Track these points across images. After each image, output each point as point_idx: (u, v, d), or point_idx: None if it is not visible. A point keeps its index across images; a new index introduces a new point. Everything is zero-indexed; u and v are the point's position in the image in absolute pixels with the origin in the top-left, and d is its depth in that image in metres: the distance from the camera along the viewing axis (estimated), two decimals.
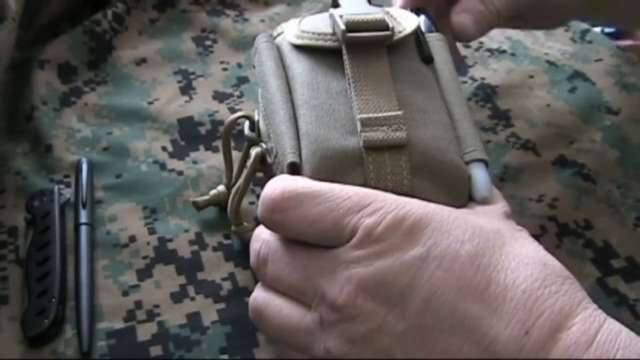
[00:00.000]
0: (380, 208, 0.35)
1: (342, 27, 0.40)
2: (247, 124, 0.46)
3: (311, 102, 0.39)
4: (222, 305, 0.44)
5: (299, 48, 0.42)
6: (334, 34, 0.41)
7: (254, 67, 0.45)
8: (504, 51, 0.64)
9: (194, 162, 0.53)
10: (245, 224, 0.47)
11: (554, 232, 0.49)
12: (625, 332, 0.32)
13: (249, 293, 0.45)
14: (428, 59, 0.44)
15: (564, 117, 0.58)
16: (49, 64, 0.60)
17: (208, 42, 0.65)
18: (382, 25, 0.40)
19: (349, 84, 0.40)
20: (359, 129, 0.38)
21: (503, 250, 0.34)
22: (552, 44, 0.65)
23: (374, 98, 0.39)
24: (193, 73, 0.62)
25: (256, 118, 0.45)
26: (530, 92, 0.60)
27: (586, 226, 0.50)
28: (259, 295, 0.38)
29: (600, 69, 0.62)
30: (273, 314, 0.37)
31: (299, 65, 0.41)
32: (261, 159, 0.43)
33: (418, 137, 0.38)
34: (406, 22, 0.43)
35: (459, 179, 0.39)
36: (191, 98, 0.59)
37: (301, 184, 0.36)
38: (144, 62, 0.62)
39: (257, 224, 0.39)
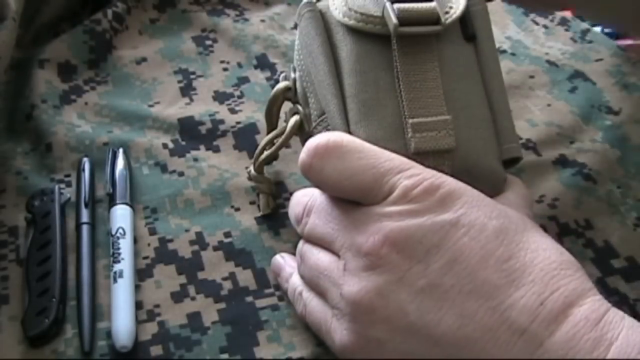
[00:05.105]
0: (419, 174, 0.37)
1: (394, 20, 0.39)
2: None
3: (360, 96, 0.40)
4: (222, 305, 0.44)
5: (345, 26, 0.42)
6: (382, 17, 0.41)
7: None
8: (504, 51, 0.64)
9: (195, 161, 0.53)
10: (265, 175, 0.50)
11: (554, 232, 0.49)
12: (628, 317, 0.35)
13: (250, 293, 0.45)
14: (471, 38, 0.44)
15: (565, 117, 0.58)
16: (49, 63, 0.60)
17: (208, 42, 0.65)
18: (433, 18, 0.40)
19: (398, 78, 0.40)
20: (409, 134, 0.39)
21: (525, 234, 0.37)
22: (552, 44, 0.65)
23: (423, 97, 0.40)
24: (193, 73, 0.61)
25: (292, 75, 0.46)
26: (530, 92, 0.60)
27: (586, 226, 0.50)
28: (302, 245, 0.41)
29: (601, 68, 0.62)
30: (309, 256, 0.40)
31: (346, 49, 0.42)
32: (299, 125, 0.45)
33: (462, 139, 0.40)
34: None
35: (495, 182, 0.42)
36: (192, 100, 0.59)
37: (347, 138, 0.38)
38: (144, 62, 0.62)
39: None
